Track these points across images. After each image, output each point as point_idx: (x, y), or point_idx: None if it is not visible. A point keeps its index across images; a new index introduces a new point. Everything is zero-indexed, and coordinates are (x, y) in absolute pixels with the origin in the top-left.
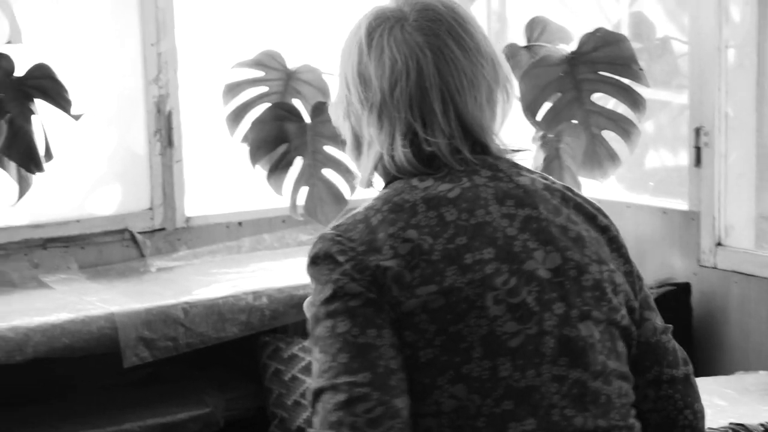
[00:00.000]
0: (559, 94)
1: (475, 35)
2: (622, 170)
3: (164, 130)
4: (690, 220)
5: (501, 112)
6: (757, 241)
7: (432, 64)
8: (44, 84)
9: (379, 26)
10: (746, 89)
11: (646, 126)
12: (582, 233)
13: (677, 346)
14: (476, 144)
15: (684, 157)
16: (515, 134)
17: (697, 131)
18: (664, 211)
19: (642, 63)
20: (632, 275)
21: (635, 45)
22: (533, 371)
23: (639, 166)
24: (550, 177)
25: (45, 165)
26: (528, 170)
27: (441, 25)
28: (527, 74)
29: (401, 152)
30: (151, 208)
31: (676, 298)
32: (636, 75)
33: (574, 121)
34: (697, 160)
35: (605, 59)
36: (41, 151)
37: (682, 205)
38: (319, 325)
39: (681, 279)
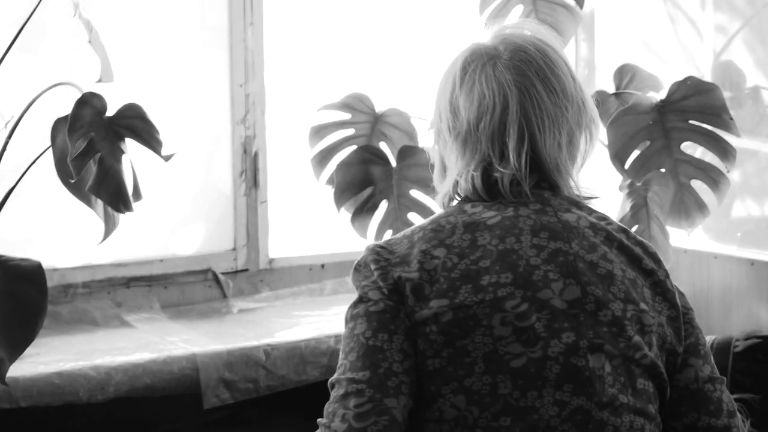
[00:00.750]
0: (648, 143)
1: (563, 78)
2: (709, 220)
3: (250, 171)
4: None
5: (581, 155)
6: None
7: (517, 101)
8: (135, 124)
9: (474, 62)
10: None
11: (733, 175)
12: (615, 272)
13: (726, 398)
14: (544, 180)
15: None
16: (603, 181)
17: None
18: (752, 263)
19: (731, 112)
20: (678, 321)
21: (725, 94)
22: (535, 392)
23: (726, 216)
24: (609, 218)
25: (133, 205)
26: (586, 209)
27: (530, 66)
28: (616, 122)
29: (470, 178)
30: (234, 249)
31: (762, 350)
32: (726, 125)
33: (663, 170)
34: None
35: (695, 108)
36: (130, 191)
37: None
38: (346, 326)
39: None
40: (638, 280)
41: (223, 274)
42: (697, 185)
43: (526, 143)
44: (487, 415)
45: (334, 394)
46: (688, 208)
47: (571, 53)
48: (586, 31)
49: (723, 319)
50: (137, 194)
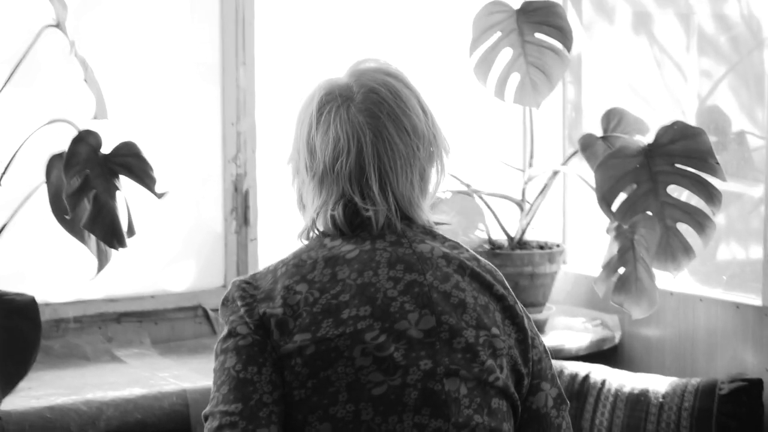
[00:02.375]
0: (635, 186)
1: (413, 117)
2: (695, 263)
3: (240, 209)
4: (763, 315)
5: (433, 186)
6: None
7: (371, 144)
8: (130, 161)
9: (329, 103)
10: None
11: (719, 218)
12: (467, 300)
13: (566, 425)
14: (401, 214)
15: (757, 251)
16: (590, 223)
17: None
18: (737, 306)
19: (717, 156)
20: (525, 343)
21: (710, 138)
22: (395, 417)
23: (711, 259)
24: (461, 246)
25: (127, 241)
26: (440, 238)
27: (382, 108)
28: (603, 165)
29: (329, 217)
30: (224, 286)
31: (747, 393)
32: (712, 169)
33: (649, 213)
34: None
35: (682, 152)
36: (124, 228)
37: (755, 300)
38: (216, 360)
39: (753, 375)
40: (490, 305)
41: (213, 310)
42: (683, 228)
43: (387, 183)
44: None
45: (209, 426)
46: (674, 250)
47: (558, 96)
48: (574, 74)
49: (708, 362)
50: (131, 231)
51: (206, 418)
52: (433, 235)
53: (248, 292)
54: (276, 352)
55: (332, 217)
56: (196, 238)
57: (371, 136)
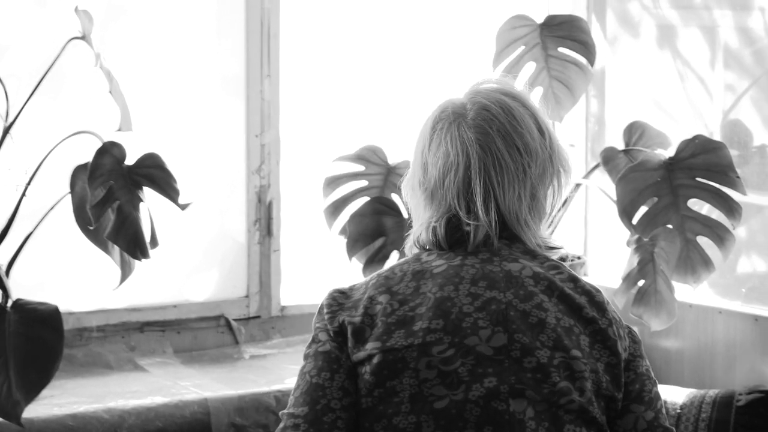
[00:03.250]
0: (656, 199)
1: (526, 135)
2: (715, 276)
3: (264, 220)
4: None
5: (548, 205)
6: None
7: (478, 159)
8: (153, 173)
9: (442, 120)
10: None
11: (739, 231)
12: (547, 320)
13: None
14: (504, 231)
15: None
16: (611, 236)
17: None
18: (756, 318)
19: (738, 169)
20: (618, 368)
21: (732, 152)
22: None
23: (731, 271)
24: (563, 267)
25: (150, 252)
26: (541, 258)
27: (493, 124)
28: (624, 178)
29: (432, 229)
30: (247, 296)
31: (765, 405)
32: (733, 183)
33: (670, 226)
34: None
35: (703, 166)
36: (147, 239)
37: None
38: (301, 365)
39: None
40: (575, 328)
41: (235, 320)
42: (703, 241)
43: (492, 198)
44: None
45: (279, 427)
46: (693, 263)
47: (581, 110)
48: (597, 88)
49: (726, 374)
50: (154, 242)
51: (281, 419)
52: (534, 255)
53: (337, 300)
54: (350, 360)
55: (434, 229)
56: (220, 249)
57: (480, 151)
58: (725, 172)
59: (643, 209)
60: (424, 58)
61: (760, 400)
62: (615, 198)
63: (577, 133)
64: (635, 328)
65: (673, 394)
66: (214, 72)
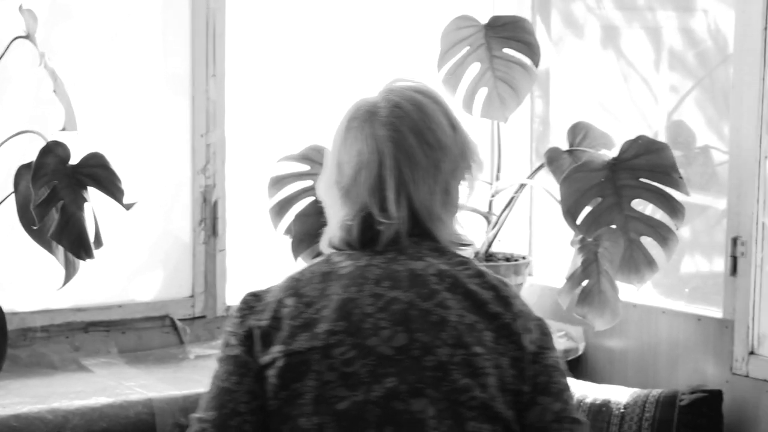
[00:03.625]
0: (600, 199)
1: (436, 131)
2: (658, 276)
3: (209, 220)
4: (724, 327)
5: (455, 202)
6: None
7: (391, 156)
8: (98, 173)
9: (356, 119)
10: None
11: (683, 231)
12: (449, 318)
13: None
14: (416, 227)
15: (719, 264)
16: (555, 236)
17: (734, 241)
18: (699, 318)
19: (681, 170)
20: (523, 361)
21: (675, 152)
22: None
23: (675, 272)
24: (470, 262)
25: (95, 252)
26: (449, 255)
27: (405, 121)
28: (568, 178)
29: (346, 228)
30: (192, 296)
31: (707, 404)
32: (676, 183)
33: (613, 226)
34: (734, 270)
35: (646, 166)
36: (91, 238)
37: (716, 312)
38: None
39: (713, 386)
40: (479, 324)
41: (180, 320)
42: (647, 241)
43: (404, 195)
44: None
45: (188, 430)
46: (637, 263)
47: (526, 110)
48: (542, 88)
49: (670, 374)
50: (98, 242)
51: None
52: (442, 252)
53: (248, 304)
54: (256, 364)
55: (348, 228)
56: (165, 249)
57: (392, 148)
58: (668, 173)
59: (587, 209)
60: (370, 58)
61: (703, 399)
62: (559, 198)
63: (521, 134)
64: (580, 328)
65: (616, 394)
66: (160, 71)
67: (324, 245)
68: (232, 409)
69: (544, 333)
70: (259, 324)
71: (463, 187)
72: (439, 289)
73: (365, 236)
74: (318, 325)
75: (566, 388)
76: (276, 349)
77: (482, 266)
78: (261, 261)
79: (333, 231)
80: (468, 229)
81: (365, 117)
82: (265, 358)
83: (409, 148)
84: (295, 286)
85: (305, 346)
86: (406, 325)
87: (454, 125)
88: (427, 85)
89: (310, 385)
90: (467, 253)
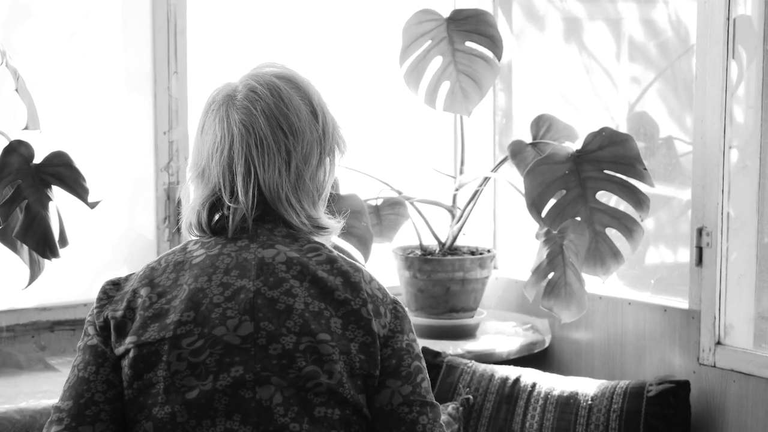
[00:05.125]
0: (564, 192)
1: (290, 116)
2: (624, 267)
3: (173, 217)
4: (690, 318)
5: (319, 185)
6: (756, 341)
7: (242, 140)
8: (62, 171)
9: (214, 103)
10: (748, 190)
11: (647, 223)
12: (295, 306)
13: (426, 420)
14: (269, 214)
15: (684, 255)
16: (520, 229)
17: (700, 231)
18: (665, 309)
19: (645, 161)
20: (374, 346)
21: (639, 144)
22: (209, 421)
23: (640, 263)
24: (322, 249)
25: (60, 251)
26: (302, 241)
27: (258, 105)
28: (533, 171)
29: (197, 214)
30: None
31: (675, 395)
32: (640, 174)
33: (578, 219)
34: (699, 260)
35: (610, 158)
36: (56, 238)
37: (682, 303)
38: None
39: (680, 377)
40: (326, 311)
41: None
42: (612, 233)
43: (252, 178)
44: None
45: (48, 420)
46: (602, 255)
47: (489, 103)
48: (504, 81)
49: (637, 365)
50: (63, 241)
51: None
52: (294, 238)
53: (107, 294)
54: (113, 354)
55: (198, 213)
56: (129, 246)
57: (243, 131)
58: (632, 164)
59: (551, 202)
60: (332, 52)
61: (670, 390)
62: (524, 191)
63: (484, 127)
64: (546, 320)
65: (584, 386)
66: (122, 69)
67: (183, 230)
68: (89, 399)
69: (398, 317)
70: (114, 315)
71: (322, 172)
72: (286, 277)
73: (214, 221)
74: (168, 315)
75: (419, 371)
76: (128, 340)
77: (336, 252)
78: None
79: (188, 216)
80: (435, 222)
81: (222, 101)
82: (120, 349)
83: (259, 131)
84: (150, 275)
85: (155, 336)
86: (252, 314)
87: (314, 110)
88: (291, 71)
89: (161, 375)
90: (327, 238)
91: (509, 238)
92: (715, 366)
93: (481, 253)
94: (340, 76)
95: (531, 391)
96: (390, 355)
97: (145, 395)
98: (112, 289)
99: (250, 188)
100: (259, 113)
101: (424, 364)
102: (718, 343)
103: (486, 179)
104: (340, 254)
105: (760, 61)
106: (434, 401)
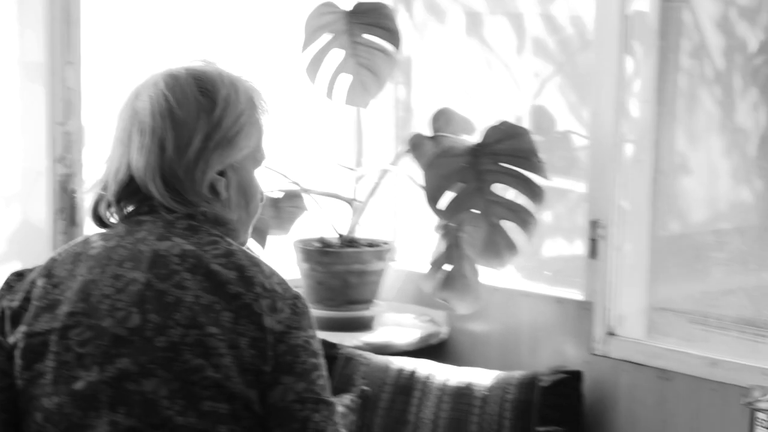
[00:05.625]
0: (462, 184)
1: (172, 104)
2: (520, 259)
3: (68, 209)
4: (584, 309)
5: (188, 175)
6: (648, 332)
7: (139, 132)
8: None
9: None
10: (642, 183)
11: (544, 215)
12: (185, 299)
13: (319, 418)
14: (182, 205)
15: (579, 247)
16: (419, 221)
17: (594, 224)
18: (559, 301)
19: (542, 154)
20: (264, 341)
21: (536, 137)
22: (94, 413)
23: (536, 255)
24: (220, 242)
25: None
26: (202, 233)
27: (152, 92)
28: (431, 164)
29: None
30: None
31: (567, 385)
32: (536, 167)
33: (475, 211)
34: (593, 252)
35: (507, 151)
36: None
37: (576, 294)
38: None
39: (574, 367)
40: (217, 305)
41: None
42: (508, 225)
43: (157, 168)
44: None
45: None
46: (498, 247)
47: (389, 96)
48: (404, 75)
49: (531, 356)
50: None
51: None
52: (195, 230)
53: (9, 284)
54: (8, 343)
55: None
56: (23, 239)
57: (149, 120)
58: (529, 157)
59: (449, 195)
60: (233, 44)
61: (563, 380)
62: (422, 184)
63: (385, 120)
64: (443, 312)
65: (479, 377)
66: (15, 58)
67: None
68: None
69: (297, 312)
70: (10, 305)
71: (208, 162)
72: (178, 269)
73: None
74: (60, 306)
75: (314, 368)
76: (20, 330)
77: (236, 246)
78: None
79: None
80: (334, 215)
81: (132, 95)
82: (11, 339)
83: (144, 118)
84: (50, 266)
85: (45, 327)
86: (140, 306)
87: (213, 103)
88: (205, 65)
89: (50, 366)
90: (237, 233)
91: (408, 231)
92: (607, 356)
93: (379, 246)
94: (241, 66)
95: (426, 383)
96: (285, 351)
97: (34, 385)
98: (14, 280)
99: (157, 179)
100: (148, 101)
101: (323, 361)
102: (611, 333)
103: (385, 172)
104: (242, 248)
105: (655, 56)
106: (330, 399)
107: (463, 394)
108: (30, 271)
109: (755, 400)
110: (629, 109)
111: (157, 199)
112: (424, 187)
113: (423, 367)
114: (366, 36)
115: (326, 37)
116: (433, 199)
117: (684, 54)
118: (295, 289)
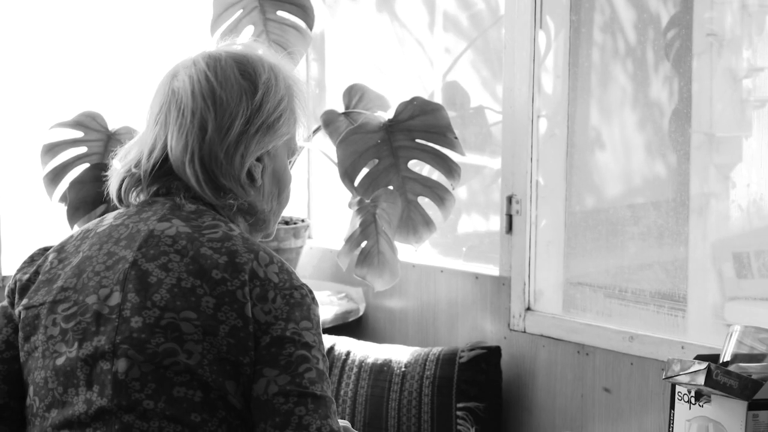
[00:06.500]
0: (376, 161)
1: (214, 86)
2: (437, 236)
3: None
4: (501, 285)
5: (236, 161)
6: (565, 307)
7: (168, 112)
8: None
9: (166, 75)
10: (556, 158)
11: (460, 191)
12: (166, 280)
13: (301, 412)
14: (176, 181)
15: (496, 223)
16: (334, 198)
17: (509, 199)
18: (477, 276)
19: (456, 130)
20: (245, 330)
21: (450, 113)
22: (73, 390)
23: (453, 231)
24: (222, 228)
25: None
26: (208, 216)
27: (191, 73)
28: (345, 140)
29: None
30: None
31: (486, 361)
32: (451, 143)
33: (391, 187)
34: (509, 227)
35: (421, 127)
36: None
37: (493, 270)
38: None
39: (492, 343)
40: (200, 289)
41: None
42: (425, 202)
43: (157, 150)
44: (42, 406)
45: None
46: (415, 224)
47: (302, 73)
48: (317, 51)
49: (450, 332)
50: None
51: None
52: (200, 214)
53: (32, 257)
54: (16, 315)
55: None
56: None
57: (171, 96)
58: (443, 133)
59: (364, 171)
60: (143, 23)
61: (481, 355)
62: (336, 160)
63: None
64: (360, 289)
65: (397, 353)
66: None
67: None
68: None
69: (289, 304)
70: (21, 277)
71: (248, 148)
72: (168, 251)
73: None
74: (57, 281)
75: (302, 360)
76: (21, 303)
77: (238, 231)
78: (37, 230)
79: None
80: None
81: (169, 74)
82: (16, 312)
83: (183, 98)
84: (64, 242)
85: (40, 300)
86: (122, 285)
87: (254, 87)
88: (248, 49)
89: (40, 339)
90: (266, 224)
91: (323, 208)
92: (525, 331)
93: (295, 223)
94: (151, 45)
95: (345, 360)
96: (269, 343)
97: (31, 358)
98: (38, 254)
99: (152, 158)
100: (189, 81)
101: (317, 354)
102: (528, 309)
103: (300, 148)
104: (245, 235)
105: (567, 31)
106: (319, 393)
107: (381, 371)
108: (54, 246)
109: (675, 374)
110: (543, 84)
111: (188, 184)
112: (338, 164)
113: (341, 344)
114: (279, 13)
115: (237, 14)
116: (347, 175)
117: (596, 28)
118: (301, 281)
